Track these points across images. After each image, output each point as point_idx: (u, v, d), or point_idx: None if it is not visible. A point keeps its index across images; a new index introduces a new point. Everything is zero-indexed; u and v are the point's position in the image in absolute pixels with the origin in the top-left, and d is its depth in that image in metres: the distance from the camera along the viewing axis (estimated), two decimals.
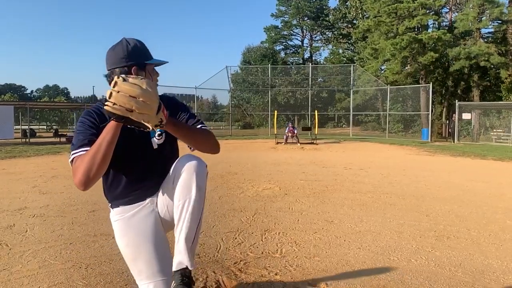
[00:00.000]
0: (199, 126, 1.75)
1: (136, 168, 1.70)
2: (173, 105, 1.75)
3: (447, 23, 28.89)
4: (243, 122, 38.01)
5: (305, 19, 47.71)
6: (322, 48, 49.78)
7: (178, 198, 1.57)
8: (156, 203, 1.77)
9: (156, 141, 1.72)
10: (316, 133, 19.91)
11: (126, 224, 1.74)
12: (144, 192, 1.76)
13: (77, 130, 1.59)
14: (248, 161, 10.04)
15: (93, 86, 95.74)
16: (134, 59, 1.59)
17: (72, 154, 1.54)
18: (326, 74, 34.96)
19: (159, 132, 1.71)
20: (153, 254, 1.66)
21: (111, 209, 1.83)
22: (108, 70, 1.61)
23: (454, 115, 21.48)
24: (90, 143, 1.50)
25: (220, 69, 28.73)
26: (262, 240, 3.85)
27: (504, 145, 18.89)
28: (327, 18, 46.67)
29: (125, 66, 1.57)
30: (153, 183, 1.76)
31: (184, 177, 1.57)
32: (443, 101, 30.06)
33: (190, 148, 1.72)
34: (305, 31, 49.56)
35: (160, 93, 1.57)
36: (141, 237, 1.69)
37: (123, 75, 1.39)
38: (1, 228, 4.23)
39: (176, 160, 1.68)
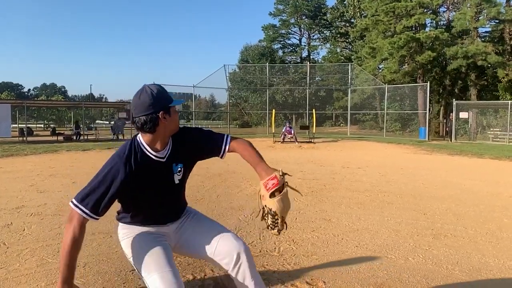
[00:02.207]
0: (225, 141, 1.93)
1: (160, 203, 1.88)
2: (197, 137, 1.94)
3: (445, 22, 28.94)
4: (241, 121, 37.95)
5: (303, 17, 47.70)
6: (320, 47, 49.87)
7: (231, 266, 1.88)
8: (176, 230, 1.98)
9: (177, 177, 1.89)
10: (314, 132, 19.92)
11: (138, 233, 1.89)
12: (165, 218, 1.94)
13: (98, 178, 1.69)
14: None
15: (91, 85, 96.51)
16: (159, 105, 1.72)
17: (74, 204, 1.67)
18: (324, 73, 34.97)
19: (179, 169, 1.88)
20: (161, 252, 1.78)
21: (124, 224, 1.94)
22: (135, 117, 1.73)
23: (451, 114, 21.50)
24: (95, 207, 1.66)
25: (218, 68, 28.64)
26: (260, 239, 3.86)
27: (501, 144, 18.95)
28: (325, 17, 46.69)
29: (153, 112, 1.70)
30: (172, 211, 1.97)
31: (247, 275, 1.87)
32: (440, 100, 30.14)
33: (222, 157, 1.96)
34: (303, 29, 49.58)
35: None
36: (150, 240, 1.84)
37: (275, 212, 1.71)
38: None
39: (224, 234, 1.93)
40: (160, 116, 1.71)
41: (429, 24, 29.39)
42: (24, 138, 19.74)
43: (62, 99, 56.87)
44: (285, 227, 1.72)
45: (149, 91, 1.72)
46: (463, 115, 21.33)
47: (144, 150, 1.77)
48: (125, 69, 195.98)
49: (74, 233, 1.63)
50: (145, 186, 1.77)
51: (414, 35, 24.36)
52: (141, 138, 1.79)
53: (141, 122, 1.71)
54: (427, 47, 24.93)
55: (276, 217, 1.69)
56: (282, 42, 49.77)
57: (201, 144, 1.94)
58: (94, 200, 1.65)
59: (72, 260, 1.63)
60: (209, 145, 1.95)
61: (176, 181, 1.89)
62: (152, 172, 1.77)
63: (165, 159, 1.81)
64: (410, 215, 4.79)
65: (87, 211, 1.65)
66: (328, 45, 47.33)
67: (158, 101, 1.72)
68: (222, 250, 1.87)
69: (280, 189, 1.70)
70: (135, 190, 1.75)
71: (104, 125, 39.68)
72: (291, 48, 50.07)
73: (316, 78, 35.12)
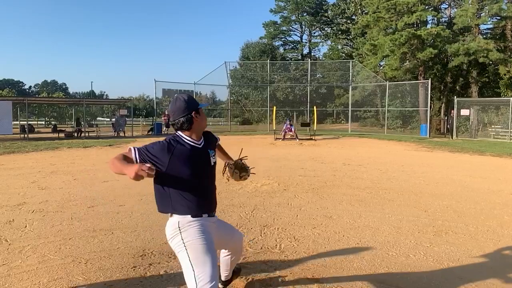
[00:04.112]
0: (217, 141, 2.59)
1: (202, 184, 2.27)
2: (210, 134, 2.44)
3: (446, 19, 28.82)
4: (241, 118, 37.85)
5: (304, 14, 47.52)
6: (321, 44, 49.71)
7: (234, 254, 2.61)
8: (216, 226, 2.37)
9: (212, 159, 2.33)
10: (314, 129, 19.91)
11: (204, 226, 2.21)
12: (209, 205, 2.34)
13: (155, 144, 2.15)
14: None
15: (91, 82, 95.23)
16: (192, 107, 2.19)
17: (134, 148, 2.12)
18: (325, 70, 34.85)
19: (213, 154, 2.34)
20: (211, 250, 2.14)
21: (179, 215, 2.19)
22: (175, 119, 2.18)
23: (452, 111, 21.45)
24: (142, 156, 2.08)
25: (219, 65, 28.62)
26: (261, 236, 3.87)
27: (502, 141, 18.92)
28: (326, 14, 46.53)
29: (188, 113, 2.17)
30: (212, 197, 2.42)
31: (239, 249, 2.61)
32: (441, 97, 30.04)
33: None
34: (304, 26, 49.40)
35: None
36: (206, 237, 2.16)
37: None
38: (1, 223, 4.24)
39: (236, 232, 2.64)
40: (193, 115, 2.18)
41: (431, 21, 29.25)
42: (25, 135, 19.74)
43: (63, 96, 56.74)
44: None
45: (182, 98, 2.22)
46: (464, 112, 21.27)
47: (184, 139, 2.21)
48: (126, 66, 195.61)
49: (120, 155, 2.08)
50: (188, 163, 2.15)
51: (415, 32, 24.26)
52: (181, 133, 2.22)
53: (180, 122, 2.17)
54: (428, 44, 24.83)
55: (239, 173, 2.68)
56: (283, 39, 49.63)
57: (215, 140, 2.49)
58: (145, 153, 2.10)
59: (122, 161, 2.02)
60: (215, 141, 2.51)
61: (212, 163, 2.32)
62: (192, 153, 2.18)
63: (201, 145, 2.26)
64: (411, 212, 4.79)
65: (137, 155, 2.09)
66: (329, 42, 47.14)
67: (190, 104, 2.20)
68: (234, 245, 2.55)
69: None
70: (180, 166, 2.13)
71: (105, 122, 39.63)
72: (292, 45, 49.91)
73: (317, 75, 35.02)
